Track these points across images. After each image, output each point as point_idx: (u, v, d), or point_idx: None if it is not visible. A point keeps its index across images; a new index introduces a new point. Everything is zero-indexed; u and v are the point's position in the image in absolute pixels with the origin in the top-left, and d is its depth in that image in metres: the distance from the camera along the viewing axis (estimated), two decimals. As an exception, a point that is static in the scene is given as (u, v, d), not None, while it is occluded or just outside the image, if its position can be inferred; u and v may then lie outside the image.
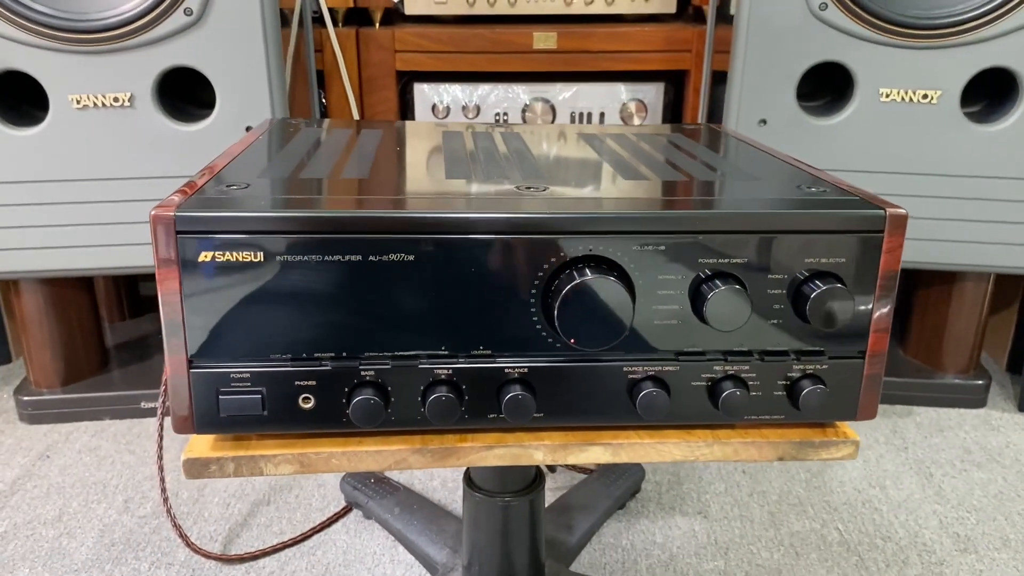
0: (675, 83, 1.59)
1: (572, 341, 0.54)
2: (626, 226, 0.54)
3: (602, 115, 1.57)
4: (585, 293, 0.53)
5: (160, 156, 1.15)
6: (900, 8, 1.13)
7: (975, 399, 1.40)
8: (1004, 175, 1.20)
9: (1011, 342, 1.52)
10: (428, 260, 0.54)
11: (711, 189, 0.62)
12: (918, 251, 1.25)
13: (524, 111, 1.56)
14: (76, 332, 1.33)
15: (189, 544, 1.01)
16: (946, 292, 1.38)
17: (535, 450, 0.59)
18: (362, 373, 0.56)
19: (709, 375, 0.58)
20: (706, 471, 1.20)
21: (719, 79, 1.40)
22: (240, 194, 0.56)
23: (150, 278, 1.53)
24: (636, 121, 1.57)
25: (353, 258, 0.53)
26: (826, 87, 1.26)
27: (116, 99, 1.12)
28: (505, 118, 1.56)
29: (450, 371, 0.57)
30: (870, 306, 0.57)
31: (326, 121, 0.92)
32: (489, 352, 0.57)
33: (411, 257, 0.54)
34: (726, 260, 0.55)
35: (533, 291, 0.55)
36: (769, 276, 0.56)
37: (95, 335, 1.37)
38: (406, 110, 1.58)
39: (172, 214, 0.52)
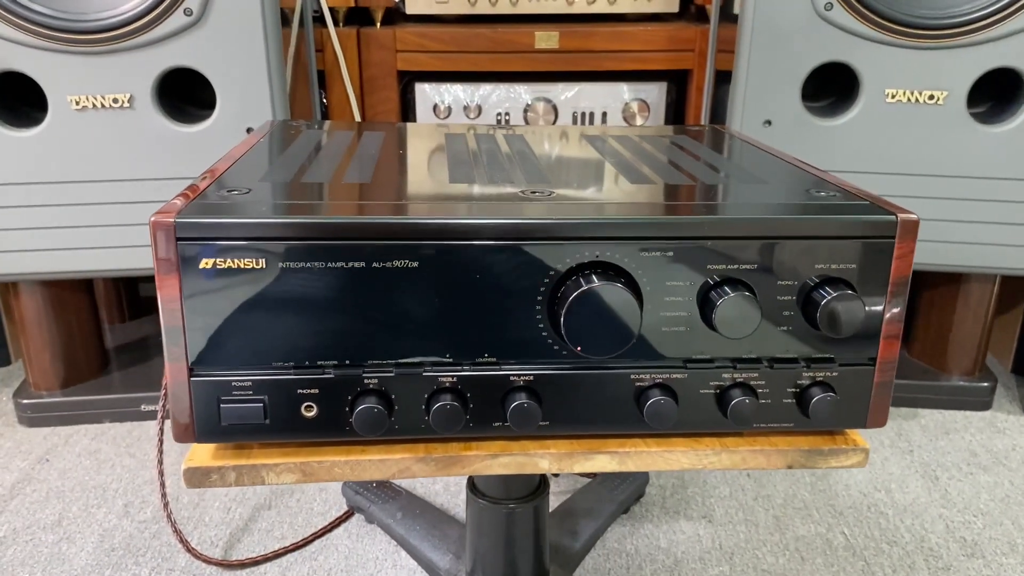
0: (678, 83, 1.58)
1: (578, 348, 0.54)
2: (633, 232, 0.53)
3: (604, 115, 1.56)
4: (591, 300, 0.52)
5: (160, 157, 1.15)
6: (906, 8, 1.12)
7: (981, 401, 1.39)
8: (1010, 176, 1.19)
9: (1017, 344, 1.52)
10: (432, 266, 0.53)
11: (718, 193, 0.62)
12: (923, 252, 1.24)
13: (526, 111, 1.55)
14: (76, 334, 1.32)
15: (190, 549, 1.00)
16: (951, 293, 1.37)
17: (540, 458, 0.59)
18: (365, 381, 0.55)
19: (717, 383, 0.57)
20: (711, 475, 1.19)
21: (722, 79, 1.39)
22: (241, 199, 0.55)
23: (150, 280, 1.52)
24: (639, 121, 1.56)
25: (356, 264, 0.52)
26: (831, 88, 1.25)
27: (115, 100, 1.11)
28: (507, 118, 1.55)
29: (455, 379, 0.56)
30: (881, 312, 0.56)
31: (327, 123, 0.91)
32: (494, 360, 0.56)
33: (415, 263, 0.53)
34: (735, 266, 0.55)
35: (539, 298, 0.54)
36: (778, 282, 0.55)
37: (95, 337, 1.36)
38: (407, 110, 1.57)
39: (172, 220, 0.51)
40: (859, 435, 0.61)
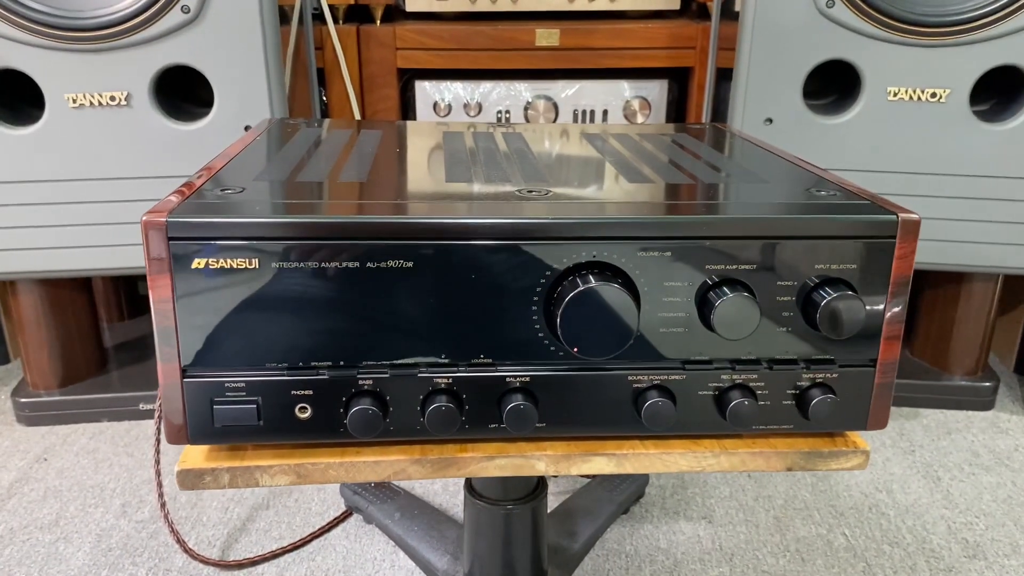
0: (679, 80, 1.58)
1: (575, 349, 0.53)
2: (631, 231, 0.53)
3: (605, 113, 1.56)
4: (588, 300, 0.52)
5: (158, 155, 1.14)
6: (908, 6, 1.11)
7: (983, 401, 1.38)
8: (1013, 175, 1.18)
9: (1019, 344, 1.51)
10: (427, 266, 0.52)
11: (717, 192, 0.61)
12: (926, 252, 1.23)
13: (526, 109, 1.54)
14: (74, 333, 1.32)
15: (187, 550, 1.00)
16: (954, 293, 1.36)
17: (537, 460, 0.58)
18: (360, 382, 0.54)
19: (716, 384, 0.57)
20: (711, 476, 1.19)
21: (724, 76, 1.39)
22: (235, 198, 0.55)
23: (149, 278, 1.52)
24: (640, 119, 1.55)
25: (350, 264, 0.52)
26: (833, 85, 1.24)
27: (113, 98, 1.11)
28: (507, 116, 1.55)
29: (450, 380, 0.55)
30: (881, 313, 0.56)
31: (325, 121, 0.90)
32: (490, 361, 0.55)
33: (410, 263, 0.52)
34: (734, 266, 0.54)
35: (535, 298, 0.54)
36: (778, 283, 0.55)
37: (93, 336, 1.36)
38: (407, 108, 1.57)
39: (164, 219, 0.50)
40: (859, 437, 0.61)
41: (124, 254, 1.18)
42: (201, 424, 0.55)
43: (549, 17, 1.53)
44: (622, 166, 0.69)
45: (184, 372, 0.54)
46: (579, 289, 0.51)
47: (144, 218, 0.50)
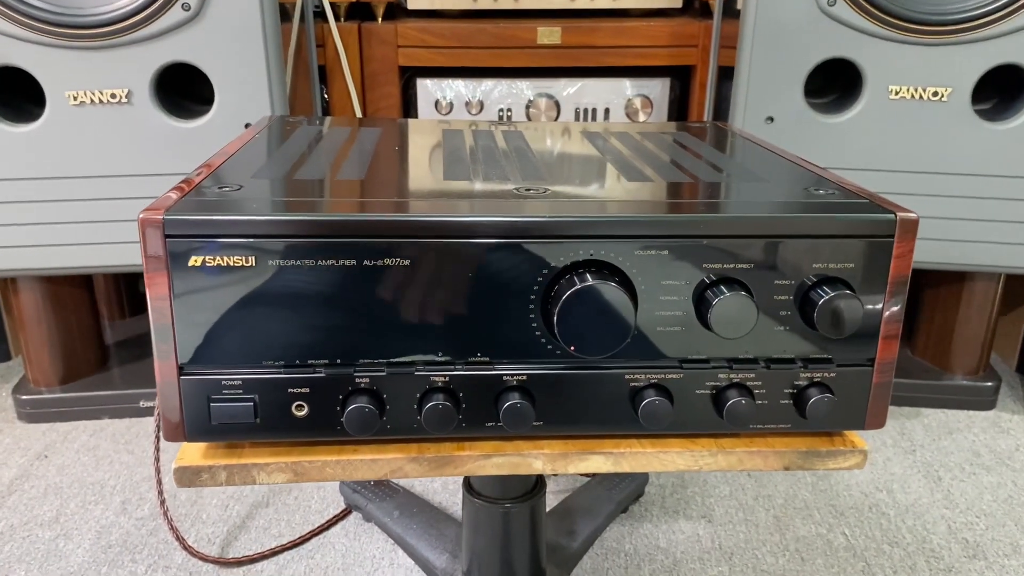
0: (681, 79, 1.57)
1: (572, 348, 0.53)
2: (628, 230, 0.53)
3: (607, 111, 1.55)
4: (586, 299, 0.52)
5: (158, 153, 1.14)
6: (910, 4, 1.11)
7: (984, 401, 1.38)
8: (1015, 174, 1.18)
9: (1021, 343, 1.50)
10: (424, 264, 0.52)
11: (716, 191, 0.61)
12: (927, 251, 1.23)
13: (528, 107, 1.54)
14: (75, 330, 1.32)
15: (186, 547, 1.00)
16: (955, 292, 1.36)
17: (534, 459, 0.58)
18: (357, 380, 0.54)
19: (713, 383, 0.57)
20: (711, 475, 1.19)
21: (726, 75, 1.38)
22: (232, 196, 0.55)
23: (150, 275, 1.52)
24: (641, 117, 1.55)
25: (347, 262, 0.52)
26: (834, 84, 1.24)
27: (114, 95, 1.11)
28: (509, 114, 1.55)
29: (447, 378, 0.55)
30: (879, 312, 0.56)
31: (325, 119, 0.90)
32: (487, 359, 0.55)
33: (407, 261, 0.52)
34: (731, 265, 0.54)
35: (532, 296, 0.53)
36: (775, 282, 0.54)
37: (94, 333, 1.36)
38: (409, 106, 1.57)
39: (161, 217, 0.50)
40: (857, 436, 0.61)
41: (125, 251, 1.18)
42: (198, 421, 0.55)
43: (551, 15, 1.53)
44: (621, 164, 0.69)
45: (181, 370, 0.54)
46: (576, 287, 0.51)
47: (141, 215, 0.50)
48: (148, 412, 1.32)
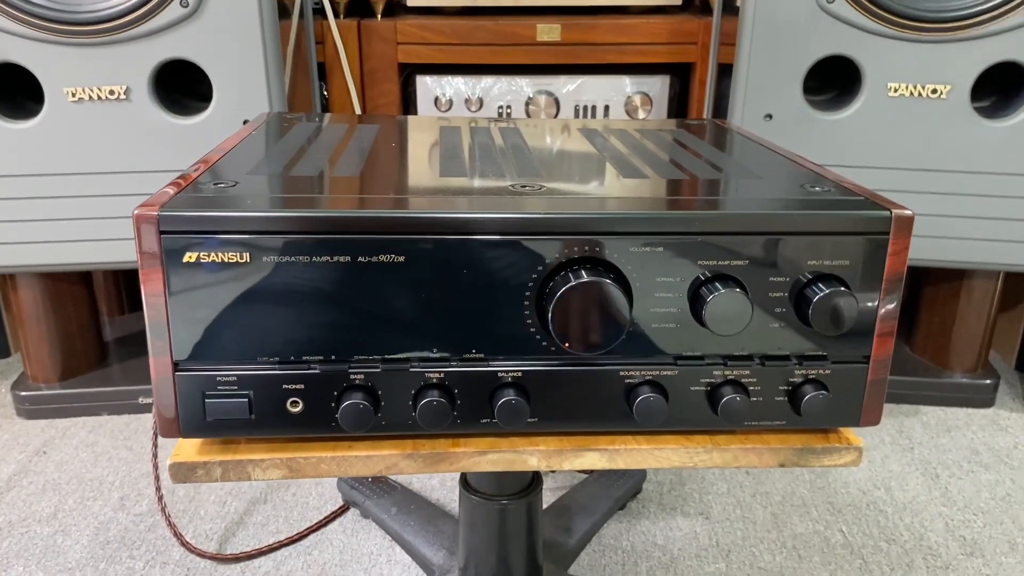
0: (681, 76, 1.57)
1: (567, 345, 0.53)
2: (623, 227, 0.52)
3: (607, 108, 1.55)
4: (581, 295, 0.52)
5: (157, 150, 1.14)
6: (909, 1, 1.11)
7: (983, 399, 1.38)
8: (1014, 171, 1.18)
9: (1020, 341, 1.50)
10: (419, 261, 0.52)
11: (711, 188, 0.61)
12: (926, 249, 1.23)
13: (528, 104, 1.54)
14: (74, 326, 1.32)
15: (184, 543, 1.00)
16: (954, 290, 1.36)
17: (529, 455, 0.58)
18: (351, 377, 0.54)
19: (708, 380, 0.57)
20: (708, 472, 1.19)
21: (725, 72, 1.38)
22: (227, 192, 0.55)
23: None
24: (641, 114, 1.55)
25: (342, 259, 0.52)
26: (833, 81, 1.24)
27: (112, 92, 1.11)
28: (508, 111, 1.55)
29: (442, 375, 0.55)
30: (874, 309, 0.56)
31: (323, 115, 0.90)
32: (482, 355, 0.55)
33: (401, 258, 0.52)
34: (726, 262, 0.54)
35: (527, 293, 0.53)
36: (770, 278, 0.54)
37: (93, 329, 1.36)
38: (408, 103, 1.57)
39: (156, 213, 0.50)
40: (853, 433, 0.61)
41: (123, 248, 1.18)
42: (193, 418, 0.55)
43: (550, 12, 1.53)
44: (618, 161, 0.69)
45: (176, 366, 0.54)
46: (571, 284, 0.51)
47: (136, 211, 0.50)
48: (147, 408, 1.32)
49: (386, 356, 0.54)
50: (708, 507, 1.11)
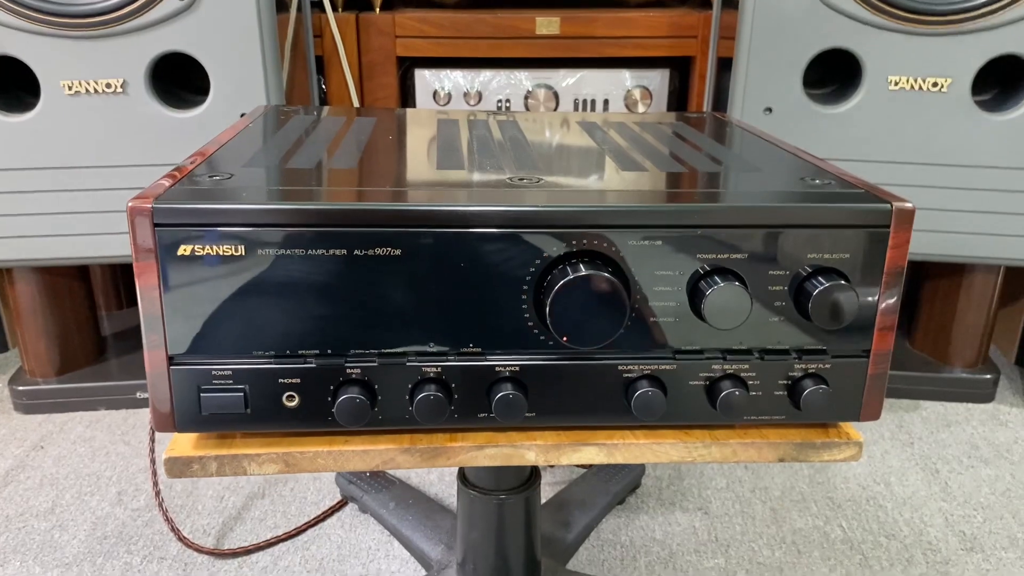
0: (680, 70, 1.57)
1: (565, 339, 0.52)
2: (621, 220, 0.52)
3: (606, 102, 1.55)
4: (578, 289, 0.51)
5: (154, 143, 1.14)
6: (910, -6, 1.10)
7: (983, 393, 1.38)
8: (1015, 165, 1.17)
9: (1020, 335, 1.50)
10: (416, 254, 0.52)
11: (711, 181, 0.60)
12: (927, 243, 1.23)
13: (527, 98, 1.53)
14: (71, 321, 1.32)
15: (181, 538, 1.00)
16: (955, 284, 1.36)
17: (527, 450, 0.58)
18: (348, 371, 0.54)
19: (707, 374, 0.56)
20: (707, 467, 1.18)
21: (725, 66, 1.38)
22: (223, 185, 0.54)
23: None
24: (641, 108, 1.54)
25: (338, 252, 0.51)
26: (834, 75, 1.23)
27: (108, 85, 1.10)
28: (507, 105, 1.54)
29: (439, 369, 0.55)
30: (875, 303, 0.55)
31: (320, 108, 0.90)
32: (479, 350, 0.55)
33: (398, 251, 0.52)
34: (726, 255, 0.53)
35: (525, 287, 0.53)
36: (770, 272, 0.54)
37: (90, 324, 1.36)
38: (407, 97, 1.56)
39: (150, 205, 0.50)
40: (852, 428, 0.60)
41: (120, 242, 1.18)
42: (188, 412, 0.54)
43: (550, 5, 1.52)
44: (616, 154, 0.69)
45: (171, 360, 0.53)
46: (569, 278, 0.51)
47: (130, 204, 0.50)
48: (144, 403, 1.31)
49: (383, 350, 0.54)
50: (707, 502, 1.10)
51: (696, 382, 0.56)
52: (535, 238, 0.52)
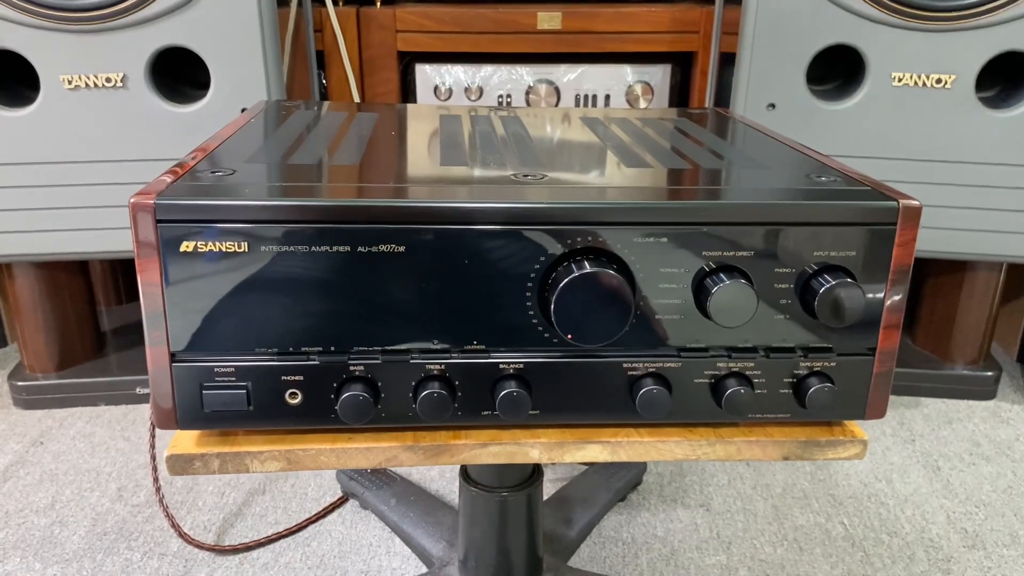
0: (682, 65, 1.56)
1: (570, 336, 0.52)
2: (626, 217, 0.52)
3: (607, 97, 1.54)
4: (583, 286, 0.51)
5: (154, 138, 1.13)
6: (914, -11, 1.10)
7: (985, 391, 1.37)
8: (1018, 162, 1.17)
9: (1022, 333, 1.50)
10: (419, 251, 0.51)
11: (716, 178, 0.60)
12: (929, 240, 1.22)
13: (528, 93, 1.53)
14: (71, 316, 1.31)
15: (182, 534, 1.00)
16: (956, 281, 1.35)
17: (531, 448, 0.57)
18: (351, 368, 0.54)
19: (712, 372, 0.56)
20: (709, 464, 1.18)
21: (727, 61, 1.37)
22: (226, 180, 0.54)
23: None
24: (642, 104, 1.54)
25: (341, 249, 0.51)
26: (837, 71, 1.23)
27: (108, 79, 1.09)
28: (508, 100, 1.53)
29: (442, 366, 0.54)
30: (881, 301, 0.55)
31: (322, 103, 0.89)
32: (483, 347, 0.54)
33: (402, 248, 0.51)
34: (731, 253, 0.53)
35: (529, 284, 0.53)
36: (776, 270, 0.54)
37: (90, 319, 1.35)
38: (408, 92, 1.55)
39: (152, 202, 0.49)
40: (857, 426, 0.60)
41: (120, 237, 1.17)
42: (191, 409, 0.54)
43: (551, 0, 1.52)
44: (620, 151, 0.68)
45: (173, 357, 0.53)
46: (574, 275, 0.51)
47: (132, 200, 0.49)
48: (144, 399, 1.31)
49: (386, 347, 0.54)
50: (709, 499, 1.10)
51: (701, 380, 0.56)
52: (540, 235, 0.52)
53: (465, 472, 0.77)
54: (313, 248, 0.51)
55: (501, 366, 0.55)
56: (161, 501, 0.98)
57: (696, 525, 1.05)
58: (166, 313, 0.52)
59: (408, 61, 1.53)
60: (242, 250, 0.51)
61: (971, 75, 1.13)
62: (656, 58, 1.53)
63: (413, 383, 0.54)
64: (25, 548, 0.99)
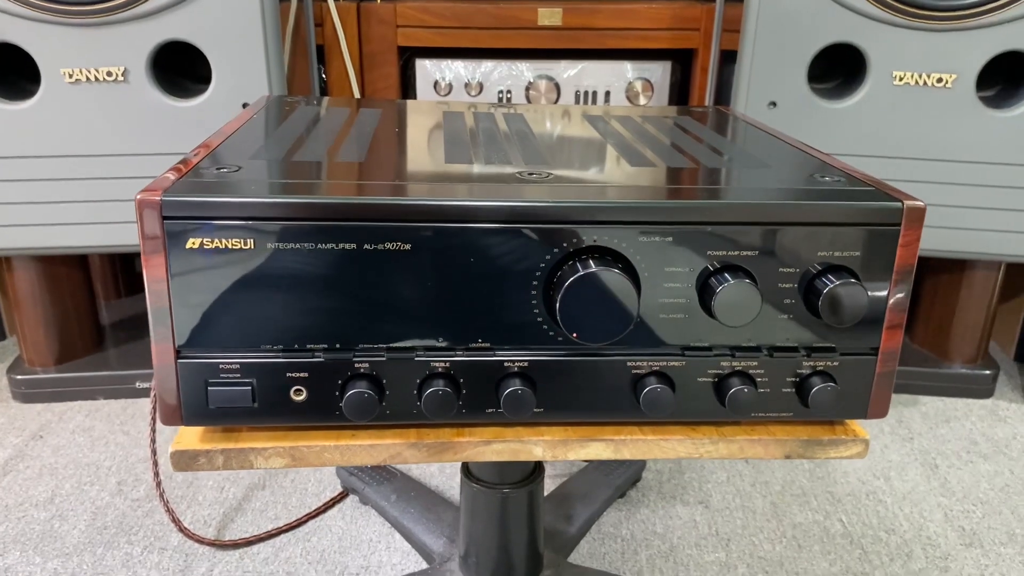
0: (683, 62, 1.56)
1: (574, 335, 0.52)
2: (632, 216, 0.52)
3: (607, 94, 1.54)
4: (588, 285, 0.51)
5: (155, 132, 1.13)
6: (916, -12, 1.10)
7: (982, 389, 1.38)
8: (1018, 162, 1.17)
9: (1020, 332, 1.50)
10: (425, 249, 0.51)
11: (720, 177, 0.60)
12: (928, 238, 1.23)
13: (528, 89, 1.53)
14: (70, 310, 1.31)
15: (182, 529, 1.00)
16: (955, 280, 1.36)
17: (534, 446, 0.58)
18: (356, 365, 0.54)
19: (716, 371, 0.56)
20: (708, 461, 1.19)
21: (728, 59, 1.37)
22: (231, 177, 0.54)
23: (147, 255, 1.51)
24: (642, 100, 1.54)
25: (347, 246, 0.51)
26: (838, 69, 1.23)
27: (109, 73, 1.09)
28: (508, 96, 1.53)
29: (447, 364, 0.55)
30: (884, 301, 0.55)
31: (324, 99, 0.89)
32: (488, 345, 0.54)
33: (408, 246, 0.51)
34: (735, 252, 0.53)
35: (534, 282, 0.53)
36: (780, 269, 0.54)
37: (89, 313, 1.35)
38: (408, 87, 1.55)
39: (158, 198, 0.49)
40: (859, 426, 0.60)
41: (120, 231, 1.17)
42: (195, 405, 0.54)
43: (552, -4, 1.52)
44: (624, 149, 0.68)
45: (178, 353, 0.53)
46: (579, 274, 0.51)
47: (138, 196, 0.49)
48: (144, 393, 1.31)
49: (391, 345, 0.54)
50: (708, 496, 1.11)
51: (705, 379, 0.56)
52: (545, 234, 0.52)
53: (467, 469, 0.77)
54: (318, 245, 0.51)
55: (506, 364, 0.55)
56: (161, 495, 0.98)
57: (695, 522, 1.05)
58: (172, 309, 0.52)
59: (408, 56, 1.53)
60: (247, 247, 0.51)
61: (972, 75, 1.14)
62: (656, 55, 1.53)
63: (418, 380, 0.55)
64: (25, 542, 0.99)
